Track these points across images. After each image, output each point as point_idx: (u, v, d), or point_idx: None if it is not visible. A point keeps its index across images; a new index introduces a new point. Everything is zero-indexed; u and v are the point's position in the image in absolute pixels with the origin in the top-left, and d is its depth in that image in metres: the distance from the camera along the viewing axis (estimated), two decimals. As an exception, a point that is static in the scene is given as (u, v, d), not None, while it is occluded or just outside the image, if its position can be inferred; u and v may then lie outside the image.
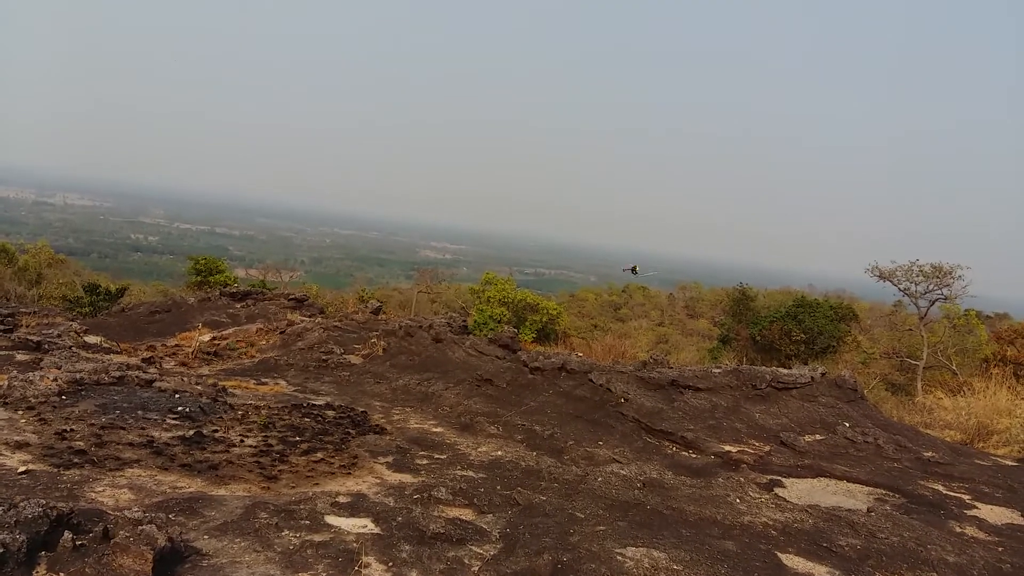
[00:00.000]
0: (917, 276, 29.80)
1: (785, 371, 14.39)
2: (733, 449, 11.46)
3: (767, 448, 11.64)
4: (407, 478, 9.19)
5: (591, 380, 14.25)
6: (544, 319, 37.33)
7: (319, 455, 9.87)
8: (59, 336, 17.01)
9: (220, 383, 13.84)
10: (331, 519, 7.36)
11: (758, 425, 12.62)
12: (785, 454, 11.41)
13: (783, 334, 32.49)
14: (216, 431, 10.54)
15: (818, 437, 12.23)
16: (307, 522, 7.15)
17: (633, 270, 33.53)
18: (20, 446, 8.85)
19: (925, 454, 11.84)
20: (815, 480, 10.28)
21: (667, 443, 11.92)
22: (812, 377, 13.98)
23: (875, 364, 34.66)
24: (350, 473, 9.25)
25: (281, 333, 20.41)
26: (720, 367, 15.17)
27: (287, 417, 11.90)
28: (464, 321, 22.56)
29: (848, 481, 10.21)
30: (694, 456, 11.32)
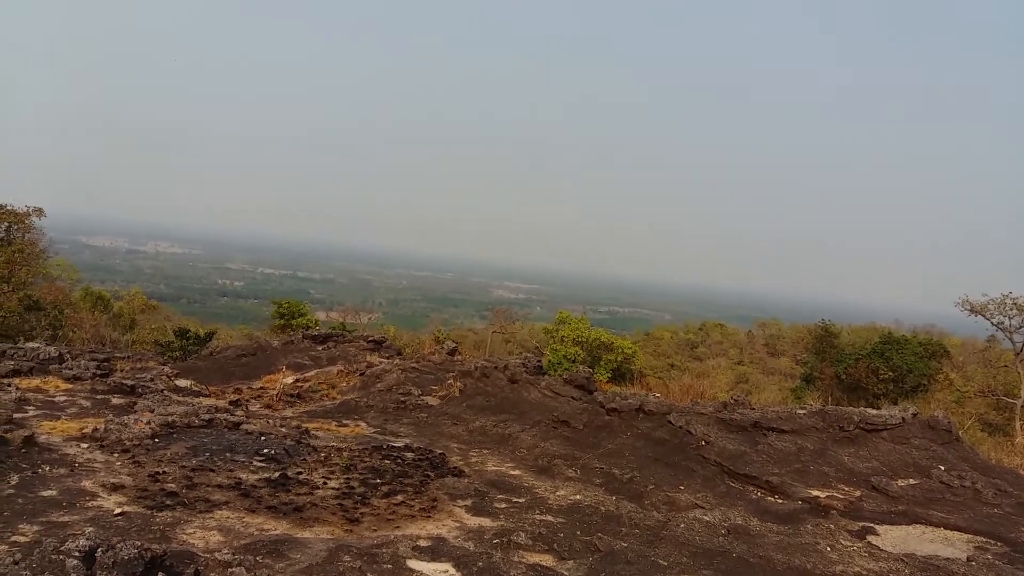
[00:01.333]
0: (1011, 309, 28.38)
1: (874, 412, 13.87)
2: (822, 494, 11.06)
3: (857, 493, 11.18)
4: (486, 522, 9.18)
5: (670, 421, 14.02)
6: (619, 358, 36.94)
7: (399, 497, 9.97)
8: (152, 380, 17.73)
9: (303, 425, 14.18)
10: (413, 563, 7.41)
11: (847, 469, 12.16)
12: (877, 499, 10.94)
13: (870, 372, 31.28)
14: (300, 473, 10.78)
15: (912, 481, 11.69)
16: (389, 566, 7.22)
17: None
18: (116, 488, 9.24)
19: (1030, 500, 11.18)
20: (910, 527, 9.81)
21: (752, 488, 11.58)
22: (903, 418, 13.42)
23: (970, 403, 32.90)
24: (430, 516, 9.30)
25: (361, 375, 20.79)
26: (805, 408, 14.72)
27: (368, 459, 12.08)
28: (539, 361, 22.54)
29: (945, 528, 9.71)
30: (780, 501, 10.97)
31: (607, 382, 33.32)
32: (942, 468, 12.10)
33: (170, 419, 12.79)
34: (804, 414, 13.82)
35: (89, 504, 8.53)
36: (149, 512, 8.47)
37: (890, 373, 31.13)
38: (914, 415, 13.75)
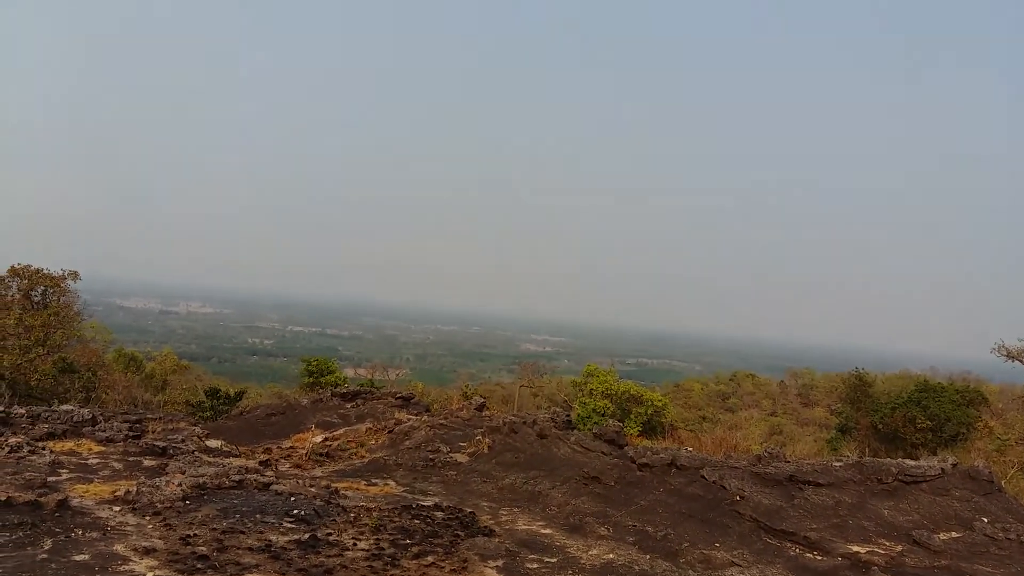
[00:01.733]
0: (1049, 354, 27.79)
1: (912, 463, 13.54)
2: (862, 550, 10.76)
3: (899, 548, 10.86)
4: (518, 583, 9.03)
5: (703, 476, 13.79)
6: (649, 411, 36.57)
7: (430, 559, 9.86)
8: (183, 441, 17.83)
9: (332, 485, 14.13)
10: (444, 627, 7.29)
11: (887, 522, 11.84)
12: (919, 554, 10.62)
13: (907, 421, 30.59)
14: (330, 534, 10.72)
15: (954, 535, 11.34)
16: (420, 630, 7.11)
17: None
18: (148, 552, 9.25)
19: (1082, 554, 10.78)
20: (957, 585, 9.49)
21: (789, 544, 11.30)
22: (942, 468, 13.09)
23: (1011, 451, 31.93)
24: (461, 578, 9.18)
25: (389, 432, 20.74)
26: (841, 460, 14.41)
27: (397, 519, 11.99)
28: (568, 415, 22.34)
29: (995, 586, 9.38)
30: (820, 558, 10.68)
31: (638, 436, 32.94)
32: (985, 520, 11.73)
33: (201, 480, 12.83)
34: (841, 466, 13.53)
35: (121, 568, 8.54)
36: (180, 576, 8.46)
37: (928, 422, 30.43)
38: (954, 465, 13.40)
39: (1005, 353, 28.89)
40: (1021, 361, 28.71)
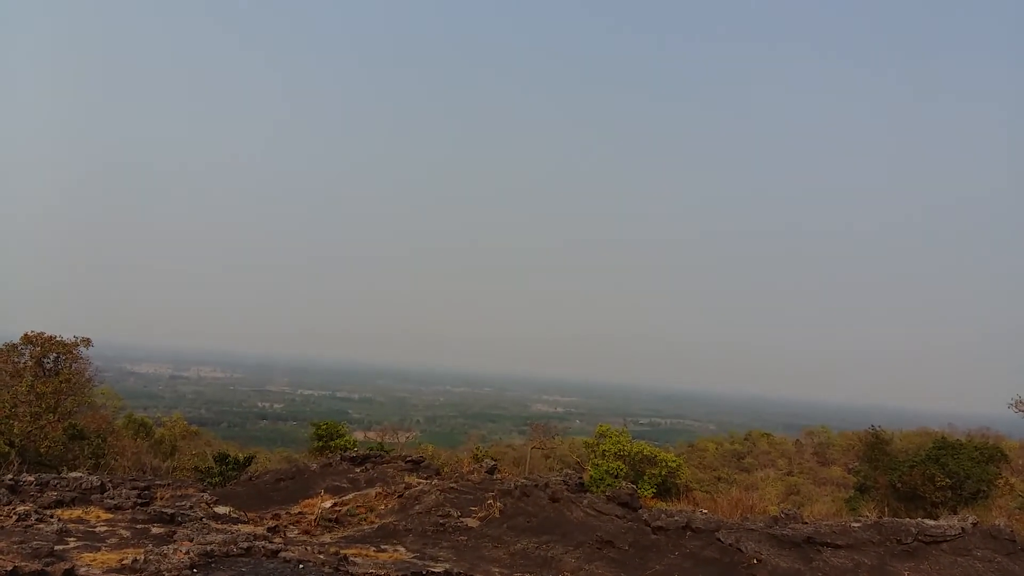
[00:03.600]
0: (1068, 409, 27.39)
1: (932, 522, 13.28)
2: (884, 615, 10.47)
3: (923, 613, 10.57)
4: (531, 652, 8.81)
5: (719, 539, 13.54)
6: (663, 472, 36.04)
7: (440, 627, 9.65)
8: (191, 508, 17.68)
9: (341, 551, 13.93)
10: None
11: (909, 586, 11.55)
12: (945, 620, 10.33)
13: (926, 480, 30.04)
14: (338, 603, 10.52)
15: (981, 599, 11.04)
16: None
17: None
18: (155, 622, 9.09)
19: (1113, 618, 10.46)
20: (984, 651, 9.20)
21: (808, 609, 11.02)
22: (963, 528, 12.83)
23: (1033, 509, 31.26)
24: (472, 647, 8.96)
25: (399, 497, 20.51)
26: (860, 520, 14.14)
27: (407, 586, 11.77)
28: (580, 478, 22.07)
29: (1024, 651, 9.08)
30: (840, 623, 10.39)
31: (652, 498, 32.43)
32: (1012, 583, 11.43)
33: (208, 548, 12.67)
34: (859, 527, 13.27)
35: (126, 640, 8.39)
36: (186, 648, 8.30)
37: (947, 480, 29.88)
38: (974, 524, 13.13)
39: (1023, 408, 28.50)
40: (1040, 416, 28.30)
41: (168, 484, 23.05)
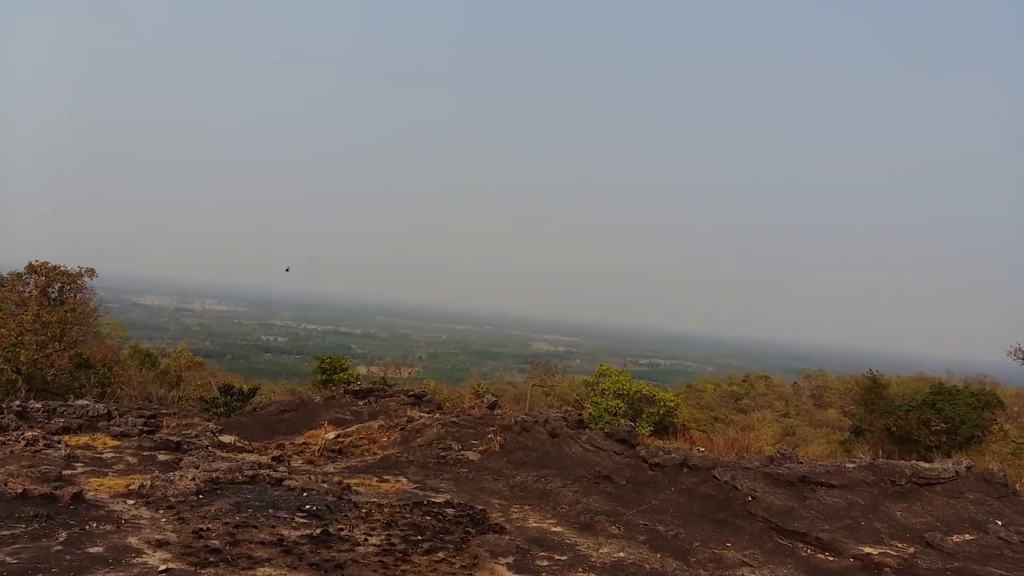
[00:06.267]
0: (1065, 358, 27.47)
1: (926, 465, 13.47)
2: (874, 551, 10.70)
3: (911, 550, 10.80)
4: (528, 580, 9.04)
5: (715, 477, 13.76)
6: (661, 411, 36.42)
7: (440, 555, 9.89)
8: (196, 436, 17.96)
9: (345, 481, 14.20)
10: (454, 622, 7.31)
11: (900, 524, 11.77)
12: (932, 556, 10.55)
13: (921, 424, 30.37)
14: (341, 529, 10.77)
15: (968, 537, 11.26)
16: (430, 625, 7.13)
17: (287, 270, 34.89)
18: (161, 544, 9.32)
19: (1097, 558, 10.68)
20: (970, 587, 9.43)
21: (801, 545, 11.26)
22: (957, 471, 13.01)
23: (1026, 455, 31.69)
24: (471, 574, 9.20)
25: (401, 430, 20.81)
26: (854, 461, 14.33)
27: (408, 515, 12.03)
28: (579, 415, 22.33)
29: (1008, 588, 9.31)
30: (831, 559, 10.63)
31: (649, 436, 32.83)
32: (999, 523, 11.64)
33: (214, 475, 12.92)
34: (854, 468, 13.46)
35: (134, 561, 8.61)
36: (193, 569, 8.52)
37: (942, 425, 30.20)
38: (968, 468, 13.31)
39: (1021, 356, 28.60)
40: (1037, 364, 28.41)
41: (174, 413, 23.39)
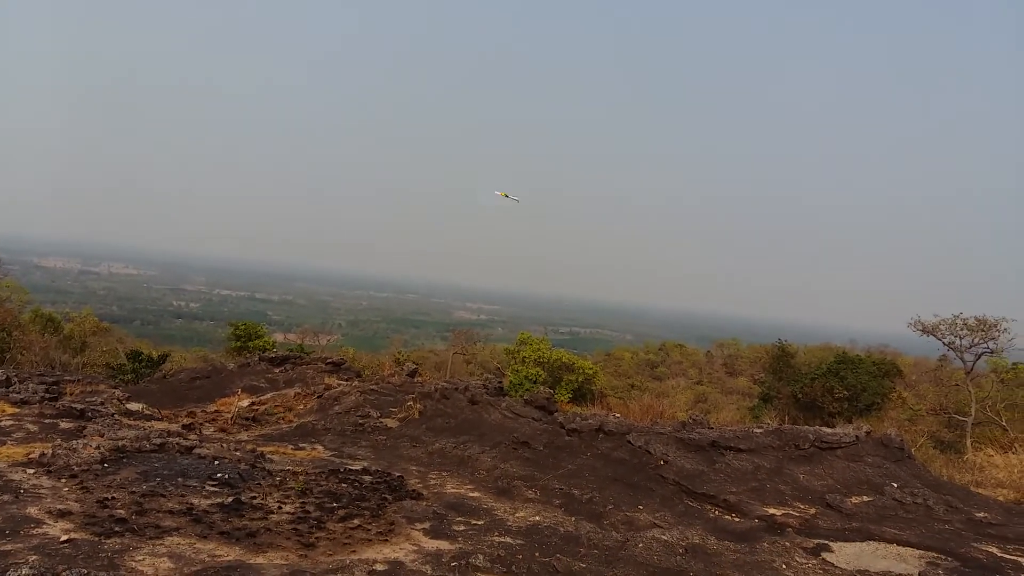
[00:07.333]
0: (961, 330, 29.05)
1: (829, 430, 14.09)
2: (778, 512, 11.17)
3: (813, 511, 11.32)
4: (444, 545, 9.08)
5: (629, 442, 14.07)
6: (580, 379, 37.08)
7: (356, 521, 9.82)
8: (102, 404, 17.29)
9: (258, 449, 13.92)
10: (368, 588, 7.28)
11: (803, 487, 12.32)
12: (832, 517, 11.09)
13: (825, 391, 31.83)
14: (254, 498, 10.56)
15: (865, 499, 11.88)
16: (344, 591, 7.09)
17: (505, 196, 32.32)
18: (63, 514, 8.95)
19: (977, 515, 11.42)
20: (864, 544, 9.95)
21: (709, 507, 11.65)
22: (857, 436, 13.66)
23: (922, 421, 33.65)
24: (387, 540, 9.17)
25: (319, 397, 20.52)
26: (762, 427, 14.89)
27: (324, 483, 11.89)
28: (500, 382, 22.50)
29: (898, 544, 9.87)
30: (737, 520, 11.04)
31: (568, 402, 33.37)
32: (895, 485, 12.31)
33: (120, 444, 12.46)
34: (761, 433, 13.98)
35: (34, 531, 8.24)
36: (97, 539, 8.21)
37: (845, 392, 31.71)
38: (868, 433, 13.99)
39: (920, 328, 30.05)
40: (935, 335, 29.91)
41: (78, 380, 22.44)
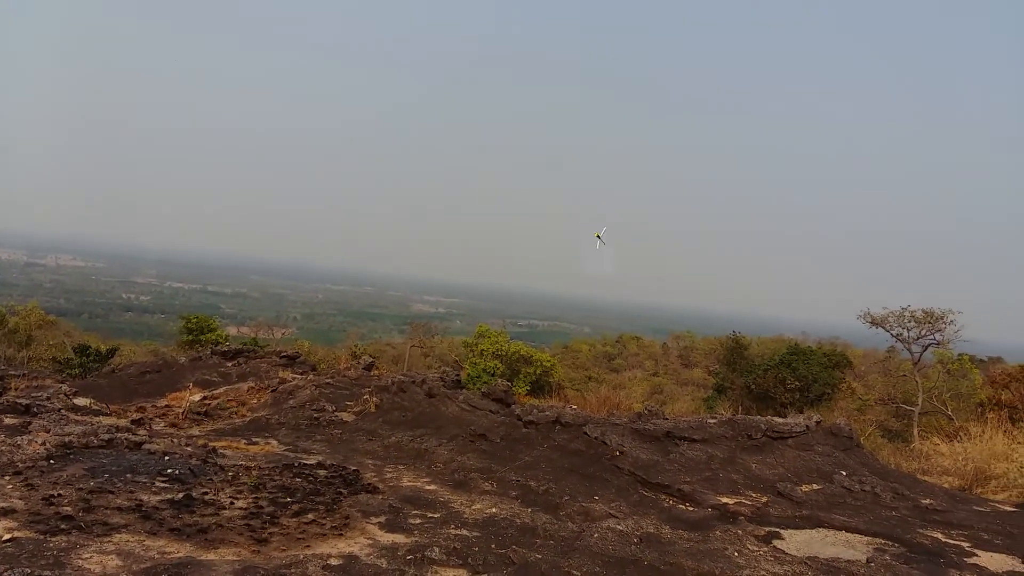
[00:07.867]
0: (909, 322, 29.90)
1: (780, 420, 14.35)
2: (730, 501, 11.35)
3: (764, 499, 11.52)
4: (400, 538, 9.03)
5: (586, 433, 14.15)
6: (538, 371, 37.23)
7: (310, 516, 9.71)
8: (48, 399, 16.80)
9: (210, 444, 13.68)
10: (322, 583, 7.21)
11: (755, 476, 12.53)
12: (783, 505, 11.30)
13: (778, 382, 32.43)
14: (206, 493, 10.38)
15: (815, 487, 12.13)
16: (297, 586, 7.01)
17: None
18: (6, 512, 8.68)
19: (923, 501, 11.75)
20: (813, 531, 10.17)
21: (664, 496, 11.79)
22: (807, 426, 13.93)
23: (870, 411, 34.56)
24: (342, 534, 9.09)
25: (272, 391, 20.24)
26: (715, 417, 15.11)
27: (278, 477, 11.73)
28: (457, 375, 22.43)
29: (847, 531, 10.10)
30: (691, 509, 11.19)
31: (526, 395, 33.50)
32: (844, 473, 12.59)
33: (67, 439, 12.14)
34: (714, 423, 14.18)
35: (-27, 532, 7.98)
36: (42, 537, 7.98)
37: (796, 383, 32.34)
38: (818, 423, 14.28)
39: (869, 320, 30.85)
40: (884, 327, 30.72)
41: (23, 375, 21.80)
